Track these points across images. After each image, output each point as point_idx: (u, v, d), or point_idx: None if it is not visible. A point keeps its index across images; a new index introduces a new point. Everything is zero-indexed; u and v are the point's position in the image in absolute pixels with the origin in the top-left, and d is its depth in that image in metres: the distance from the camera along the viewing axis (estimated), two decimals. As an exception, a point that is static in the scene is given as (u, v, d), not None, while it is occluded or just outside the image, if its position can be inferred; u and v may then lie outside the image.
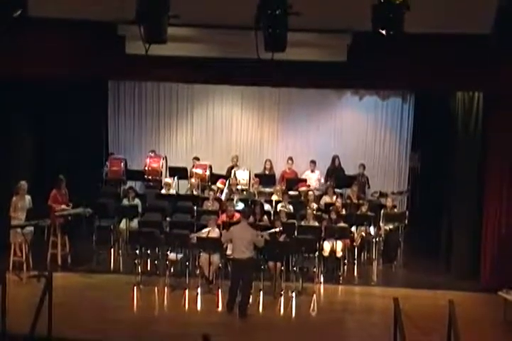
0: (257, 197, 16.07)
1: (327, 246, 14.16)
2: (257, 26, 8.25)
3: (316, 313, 12.15)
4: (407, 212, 16.51)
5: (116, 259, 15.03)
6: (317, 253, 13.74)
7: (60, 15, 11.25)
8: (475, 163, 14.16)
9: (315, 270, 13.93)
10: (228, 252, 12.85)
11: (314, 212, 14.87)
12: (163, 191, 16.52)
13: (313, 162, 17.68)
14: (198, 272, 13.39)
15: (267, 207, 15.42)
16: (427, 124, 17.29)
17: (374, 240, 15.45)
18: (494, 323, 11.83)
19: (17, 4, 7.95)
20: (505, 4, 8.01)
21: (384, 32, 8.18)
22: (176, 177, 17.08)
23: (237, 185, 16.65)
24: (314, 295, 12.84)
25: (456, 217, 14.61)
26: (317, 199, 16.29)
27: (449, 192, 15.13)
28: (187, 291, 12.85)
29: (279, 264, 13.16)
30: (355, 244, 15.01)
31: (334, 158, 17.88)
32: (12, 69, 12.72)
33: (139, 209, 15.34)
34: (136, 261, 13.66)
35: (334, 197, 16.10)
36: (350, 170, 17.84)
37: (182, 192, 16.95)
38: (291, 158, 17.82)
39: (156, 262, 14.20)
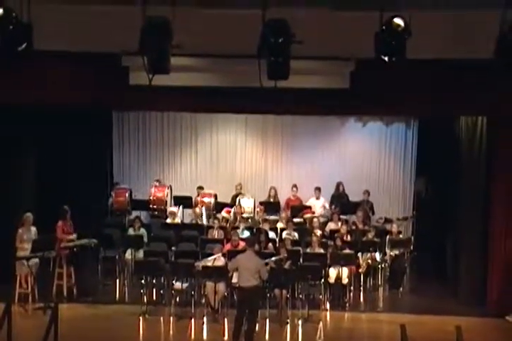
0: (261, 225, 16.03)
1: (333, 272, 14.13)
2: (260, 55, 8.29)
3: (322, 340, 12.09)
4: (412, 238, 16.48)
5: (121, 289, 14.96)
6: (323, 280, 13.70)
7: (64, 47, 11.33)
8: (480, 187, 14.12)
9: (321, 297, 13.89)
10: (234, 280, 12.80)
11: (319, 238, 14.86)
12: (168, 220, 16.52)
13: (318, 189, 17.65)
14: (203, 301, 13.33)
15: (271, 234, 15.42)
16: (431, 149, 17.30)
17: (380, 266, 15.39)
18: (503, 349, 11.79)
19: (22, 38, 8.02)
20: (507, 29, 8.07)
21: (386, 59, 8.23)
22: (180, 206, 17.08)
23: (242, 213, 16.65)
24: (320, 323, 12.74)
25: (462, 242, 14.57)
26: (322, 226, 16.27)
27: (454, 217, 15.09)
28: (193, 320, 12.74)
29: (284, 292, 13.12)
30: (360, 270, 14.94)
31: (338, 185, 17.89)
32: (16, 100, 12.81)
33: (145, 239, 15.32)
34: (141, 291, 13.61)
35: (339, 224, 16.10)
36: (354, 196, 17.80)
37: (187, 221, 16.97)
38: (295, 186, 17.83)
39: (161, 292, 14.15)
